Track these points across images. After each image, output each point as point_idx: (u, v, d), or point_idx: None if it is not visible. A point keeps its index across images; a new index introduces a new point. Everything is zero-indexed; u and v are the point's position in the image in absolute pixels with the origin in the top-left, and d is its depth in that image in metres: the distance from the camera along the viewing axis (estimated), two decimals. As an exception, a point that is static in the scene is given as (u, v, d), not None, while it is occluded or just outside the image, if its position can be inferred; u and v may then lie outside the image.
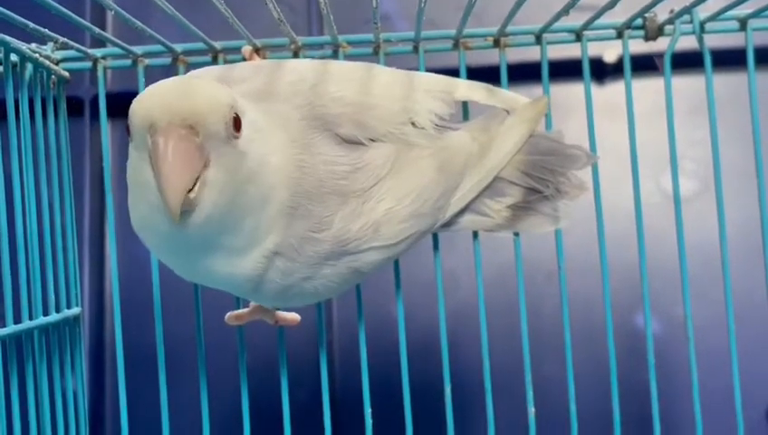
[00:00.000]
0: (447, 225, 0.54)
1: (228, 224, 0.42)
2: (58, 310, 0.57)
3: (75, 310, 0.59)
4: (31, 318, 0.52)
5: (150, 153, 0.39)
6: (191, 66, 0.59)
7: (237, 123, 0.41)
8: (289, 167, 0.44)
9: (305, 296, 0.49)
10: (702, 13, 0.58)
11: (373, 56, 0.60)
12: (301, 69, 0.50)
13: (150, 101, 0.39)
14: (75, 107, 0.74)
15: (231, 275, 0.45)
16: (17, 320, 0.51)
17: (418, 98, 0.51)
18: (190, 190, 0.38)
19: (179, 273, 0.46)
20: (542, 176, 0.54)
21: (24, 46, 0.53)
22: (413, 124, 0.50)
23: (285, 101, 0.47)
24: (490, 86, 0.55)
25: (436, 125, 0.51)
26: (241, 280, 0.45)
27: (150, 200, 0.40)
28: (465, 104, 0.58)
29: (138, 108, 0.39)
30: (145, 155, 0.40)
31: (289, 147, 0.45)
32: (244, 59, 0.59)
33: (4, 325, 0.48)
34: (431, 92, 0.52)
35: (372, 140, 0.48)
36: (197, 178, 0.39)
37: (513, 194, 0.54)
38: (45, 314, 0.55)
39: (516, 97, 0.55)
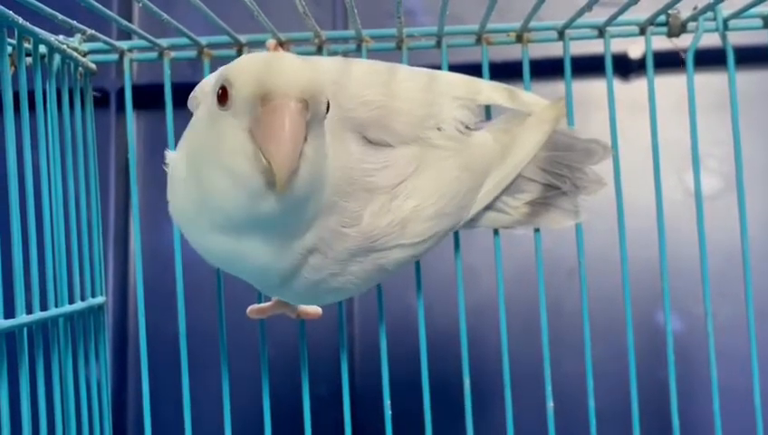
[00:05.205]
0: (466, 223, 0.54)
1: (303, 203, 0.42)
2: (83, 298, 0.57)
3: (100, 299, 0.60)
4: (57, 306, 0.53)
5: (254, 122, 0.39)
6: (216, 60, 0.59)
7: (328, 105, 0.41)
8: (331, 162, 0.44)
9: (330, 293, 0.49)
10: (725, 10, 0.57)
11: (396, 51, 0.60)
12: (329, 68, 0.50)
13: (266, 71, 0.39)
14: (101, 99, 0.74)
15: (267, 265, 0.44)
16: (43, 307, 0.51)
17: (445, 105, 0.51)
18: None
19: (211, 255, 0.46)
20: (559, 172, 0.55)
21: (51, 38, 0.54)
22: (438, 129, 0.50)
23: None
24: (511, 88, 0.56)
25: (460, 131, 0.51)
26: (274, 272, 0.45)
27: (234, 169, 0.39)
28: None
29: (250, 76, 0.39)
30: (244, 123, 0.39)
31: (329, 142, 0.45)
32: (269, 53, 0.59)
33: (31, 312, 0.49)
34: (458, 100, 0.52)
35: (398, 143, 0.49)
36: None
37: (531, 190, 0.55)
38: (71, 302, 0.55)
39: (537, 100, 0.56)
